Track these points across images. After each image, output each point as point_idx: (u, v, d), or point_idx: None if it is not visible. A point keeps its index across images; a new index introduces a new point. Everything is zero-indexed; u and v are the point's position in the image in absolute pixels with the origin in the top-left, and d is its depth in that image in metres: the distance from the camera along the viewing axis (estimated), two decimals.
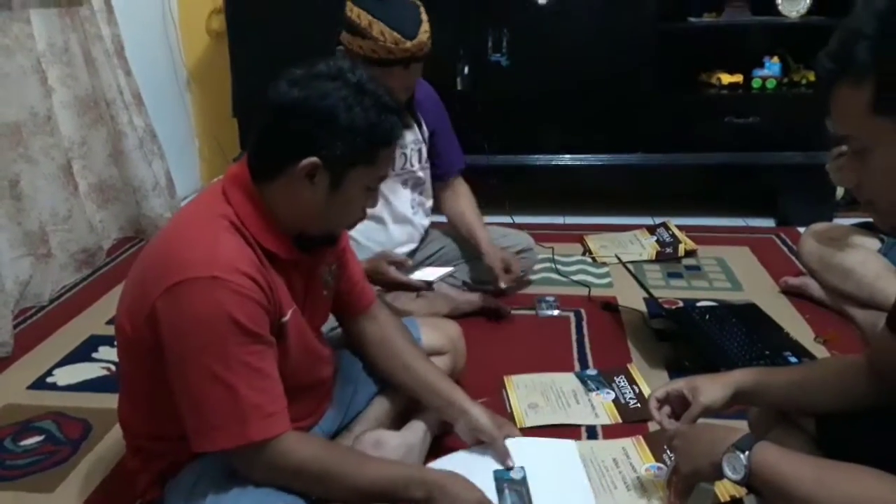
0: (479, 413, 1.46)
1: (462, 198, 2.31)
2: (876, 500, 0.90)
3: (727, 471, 1.04)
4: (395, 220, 2.15)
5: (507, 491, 1.39)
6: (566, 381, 1.88)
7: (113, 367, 2.05)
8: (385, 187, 2.01)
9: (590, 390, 1.83)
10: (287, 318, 1.25)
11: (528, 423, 1.72)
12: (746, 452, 1.02)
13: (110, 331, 2.24)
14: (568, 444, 1.55)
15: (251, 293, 1.15)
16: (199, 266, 1.13)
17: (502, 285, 2.20)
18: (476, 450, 1.48)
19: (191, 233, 1.20)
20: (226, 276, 1.13)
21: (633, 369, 1.92)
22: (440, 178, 2.28)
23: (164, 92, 3.34)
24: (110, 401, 1.84)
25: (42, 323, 2.33)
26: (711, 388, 1.27)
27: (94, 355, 2.13)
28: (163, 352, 1.16)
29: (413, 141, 2.13)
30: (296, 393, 1.28)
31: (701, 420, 1.26)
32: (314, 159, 1.17)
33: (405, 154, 2.12)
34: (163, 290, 1.14)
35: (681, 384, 1.31)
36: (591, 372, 1.92)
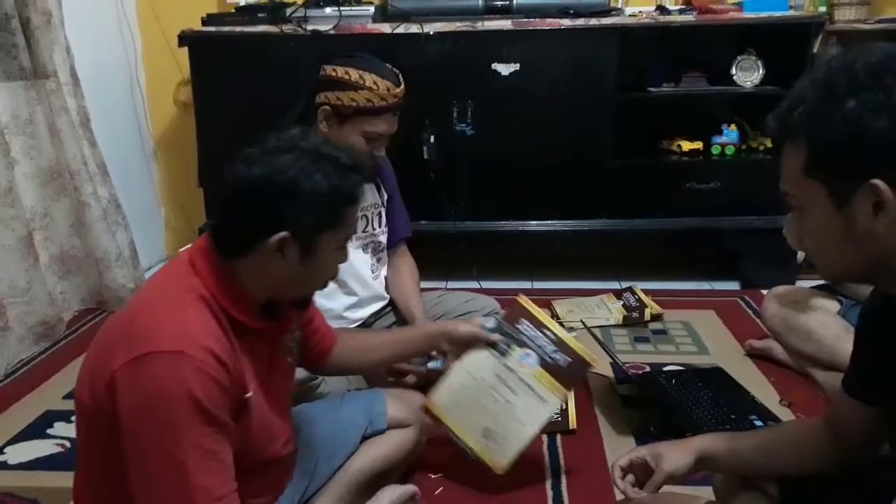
0: (453, 328, 1.71)
1: (403, 273, 2.25)
2: None
3: None
4: (357, 281, 2.12)
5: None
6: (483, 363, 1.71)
7: (68, 444, 1.99)
8: None
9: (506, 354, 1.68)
10: (250, 394, 1.23)
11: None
12: None
13: (67, 406, 2.20)
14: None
15: (215, 373, 1.13)
16: (167, 340, 1.12)
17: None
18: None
19: (160, 305, 1.18)
20: (192, 352, 1.11)
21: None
22: (388, 246, 2.25)
23: (130, 162, 3.34)
24: (63, 479, 1.79)
25: None
26: (674, 455, 1.25)
27: (49, 431, 2.07)
28: (118, 423, 1.13)
29: (373, 204, 2.13)
30: (253, 471, 1.25)
31: (665, 488, 1.25)
32: (283, 234, 1.18)
33: (366, 217, 2.11)
34: (127, 361, 1.11)
35: (643, 452, 1.29)
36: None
